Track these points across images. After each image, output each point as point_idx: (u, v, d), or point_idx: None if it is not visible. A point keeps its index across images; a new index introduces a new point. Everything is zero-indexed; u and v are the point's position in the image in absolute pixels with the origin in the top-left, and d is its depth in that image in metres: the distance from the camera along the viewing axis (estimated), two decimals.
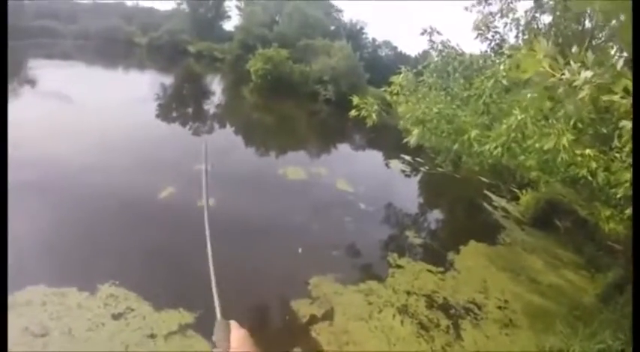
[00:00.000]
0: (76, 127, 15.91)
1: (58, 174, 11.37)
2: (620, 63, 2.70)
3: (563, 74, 2.80)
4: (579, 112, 3.47)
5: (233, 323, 1.24)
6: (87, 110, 19.30)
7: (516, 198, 16.86)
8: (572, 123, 6.37)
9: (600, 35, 10.94)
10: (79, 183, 11.04)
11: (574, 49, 2.84)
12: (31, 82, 24.37)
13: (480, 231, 13.44)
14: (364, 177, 17.92)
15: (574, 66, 2.77)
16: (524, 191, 16.07)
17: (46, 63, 30.68)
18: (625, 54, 2.72)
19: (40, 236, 8.19)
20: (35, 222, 8.51)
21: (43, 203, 9.48)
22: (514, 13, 11.67)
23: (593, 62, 2.78)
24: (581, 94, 2.69)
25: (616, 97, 2.95)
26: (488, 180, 18.79)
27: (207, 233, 1.46)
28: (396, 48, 58.51)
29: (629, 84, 2.62)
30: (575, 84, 2.70)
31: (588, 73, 2.66)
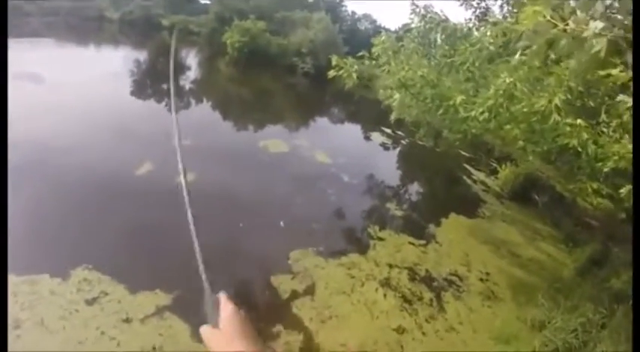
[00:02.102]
0: (49, 107, 15.28)
1: (31, 155, 10.74)
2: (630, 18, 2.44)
3: (567, 24, 2.52)
4: (585, 69, 3.22)
5: (222, 297, 1.17)
6: (60, 89, 18.56)
7: (495, 173, 16.87)
8: (563, 89, 6.21)
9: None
10: (51, 164, 10.59)
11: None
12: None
13: (460, 204, 13.38)
14: (345, 149, 17.73)
15: (581, 15, 2.48)
16: (503, 166, 16.04)
17: (16, 42, 29.49)
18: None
19: (12, 221, 7.66)
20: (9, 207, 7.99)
21: (13, 186, 8.94)
22: None
23: (602, 14, 2.51)
24: (596, 48, 2.40)
25: (615, 71, 2.74)
26: (467, 154, 18.75)
27: (188, 207, 1.32)
28: (375, 21, 58.03)
29: None
30: (584, 35, 2.41)
31: (599, 24, 2.37)
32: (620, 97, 3.62)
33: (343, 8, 58.08)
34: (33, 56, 26.39)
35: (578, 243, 11.51)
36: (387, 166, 17.19)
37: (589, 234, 11.80)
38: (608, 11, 2.61)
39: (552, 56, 5.14)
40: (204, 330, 1.10)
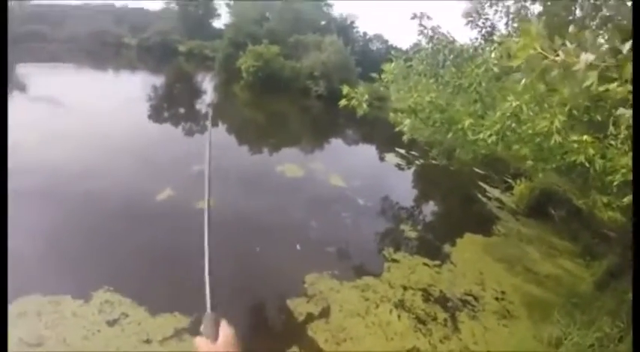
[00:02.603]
0: (67, 131, 15.76)
1: (51, 180, 11.13)
2: (627, 46, 2.56)
3: (557, 55, 2.66)
4: (576, 98, 3.34)
5: (223, 321, 1.27)
6: (78, 114, 19.15)
7: (510, 189, 16.80)
8: (566, 109, 6.31)
9: (591, 24, 10.85)
10: (72, 189, 10.87)
11: (571, 29, 2.70)
12: (21, 87, 24.05)
13: (475, 222, 13.37)
14: (359, 171, 17.86)
15: (570, 46, 2.62)
16: (517, 181, 16.00)
17: (35, 67, 30.39)
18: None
19: (33, 244, 7.98)
20: (28, 230, 8.28)
21: (36, 210, 9.28)
22: (504, 1, 11.56)
23: (592, 44, 2.64)
24: (587, 82, 2.54)
25: (612, 85, 2.85)
26: (481, 171, 18.74)
27: (206, 229, 1.47)
28: (387, 41, 58.29)
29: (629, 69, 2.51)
30: (575, 68, 2.55)
31: (590, 56, 2.50)
32: (621, 111, 3.71)
33: (355, 29, 58.72)
34: (53, 81, 27.16)
35: (596, 256, 11.37)
36: (402, 187, 17.21)
37: (607, 246, 11.63)
38: (599, 39, 2.75)
39: None
40: (200, 342, 1.20)
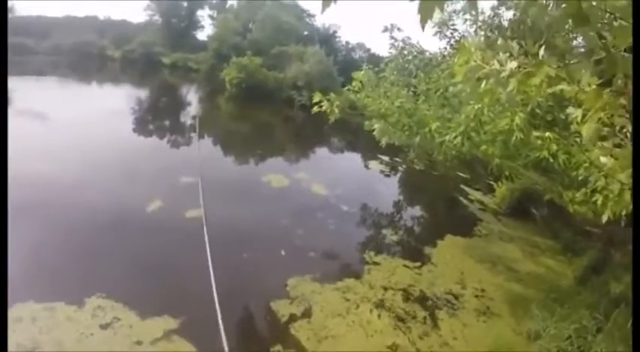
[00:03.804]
0: (52, 145, 15.86)
1: (40, 193, 11.30)
2: (542, 51, 2.86)
3: (492, 65, 2.95)
4: (513, 101, 3.64)
5: None
6: (63, 127, 19.27)
7: (492, 191, 17.12)
8: (528, 108, 6.66)
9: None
10: (61, 201, 11.06)
11: (499, 41, 2.99)
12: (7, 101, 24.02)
13: (456, 224, 13.68)
14: (344, 179, 18.17)
15: (502, 56, 2.92)
16: (499, 183, 16.33)
17: (19, 80, 30.32)
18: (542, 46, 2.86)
19: (27, 255, 8.22)
20: (21, 242, 8.43)
21: (28, 223, 9.42)
22: (476, 11, 11.82)
23: (519, 52, 2.94)
24: (510, 87, 2.84)
25: (563, 85, 3.09)
26: (464, 174, 19.04)
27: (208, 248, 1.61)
28: (369, 50, 58.75)
29: (550, 71, 2.79)
30: (502, 75, 2.84)
31: (513, 64, 2.81)
32: (569, 110, 3.97)
33: (337, 39, 59.28)
34: (37, 94, 27.10)
35: (578, 252, 11.67)
36: (386, 193, 17.48)
37: (589, 241, 11.90)
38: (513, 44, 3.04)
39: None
40: None
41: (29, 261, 8.07)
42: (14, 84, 27.46)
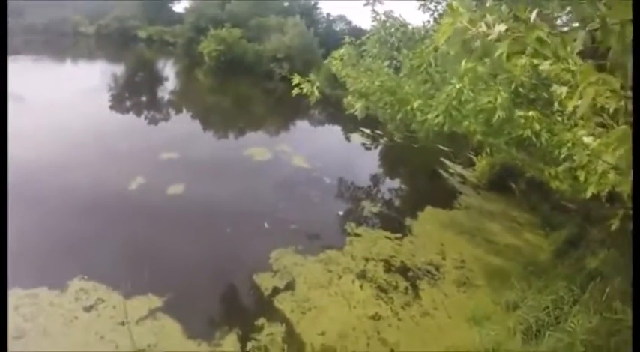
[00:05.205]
0: (29, 126, 15.41)
1: (18, 177, 10.99)
2: (534, 15, 2.80)
3: (479, 27, 2.88)
4: (498, 68, 3.61)
5: None
6: (39, 107, 18.59)
7: (473, 164, 17.33)
8: (512, 87, 6.67)
9: None
10: (41, 185, 10.82)
11: (488, 3, 2.94)
12: None
13: (436, 197, 13.85)
14: (325, 152, 18.18)
15: (490, 19, 2.85)
16: (479, 157, 16.49)
17: None
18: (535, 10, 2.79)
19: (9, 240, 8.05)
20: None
21: (10, 207, 9.23)
22: None
23: (508, 16, 2.89)
24: (499, 51, 2.78)
25: (545, 64, 3.04)
26: (445, 148, 19.13)
27: None
28: (350, 22, 58.05)
29: (542, 35, 2.75)
30: (490, 38, 2.79)
31: (502, 27, 2.75)
32: (554, 87, 3.93)
33: (318, 11, 58.30)
34: (11, 74, 26.22)
35: (556, 226, 11.90)
36: (367, 166, 17.59)
37: (566, 217, 12.17)
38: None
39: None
40: None
41: (12, 246, 7.90)
42: None
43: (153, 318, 6.68)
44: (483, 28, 2.88)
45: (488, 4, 3.04)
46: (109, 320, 6.54)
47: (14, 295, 6.74)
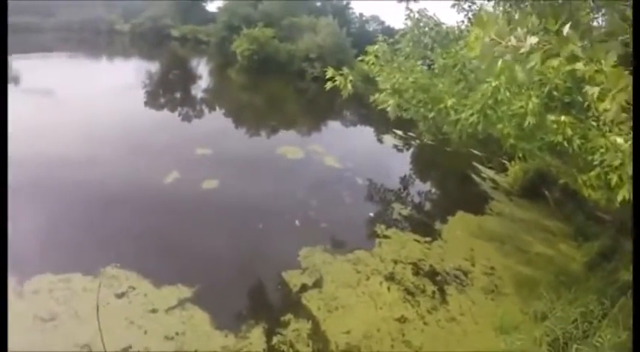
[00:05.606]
0: (64, 122, 15.87)
1: (56, 170, 11.46)
2: (567, 28, 2.76)
3: (509, 41, 2.86)
4: (530, 79, 3.56)
5: None
6: (74, 103, 19.09)
7: (506, 170, 17.00)
8: (546, 90, 6.53)
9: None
10: (76, 178, 11.13)
11: (517, 16, 2.91)
12: (15, 80, 23.77)
13: (468, 201, 13.62)
14: (358, 153, 18.12)
15: (520, 32, 2.83)
16: (512, 162, 16.18)
17: (27, 59, 30.05)
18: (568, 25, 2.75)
19: (43, 229, 8.51)
20: (37, 218, 8.83)
21: (44, 199, 9.76)
22: None
23: (538, 28, 2.85)
24: (531, 63, 2.76)
25: (579, 65, 2.99)
26: (478, 152, 18.87)
27: None
28: (383, 22, 57.93)
29: (576, 49, 2.71)
30: (522, 51, 2.77)
31: (534, 39, 2.73)
32: (586, 88, 3.86)
33: (350, 11, 58.24)
34: (46, 72, 26.94)
35: (589, 237, 11.51)
36: (399, 168, 17.36)
37: (600, 228, 11.79)
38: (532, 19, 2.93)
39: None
40: None
41: (45, 236, 8.32)
42: (22, 62, 27.36)
43: (182, 308, 6.86)
44: (513, 41, 2.86)
45: (517, 17, 2.98)
46: (139, 308, 6.75)
47: (47, 279, 7.02)
